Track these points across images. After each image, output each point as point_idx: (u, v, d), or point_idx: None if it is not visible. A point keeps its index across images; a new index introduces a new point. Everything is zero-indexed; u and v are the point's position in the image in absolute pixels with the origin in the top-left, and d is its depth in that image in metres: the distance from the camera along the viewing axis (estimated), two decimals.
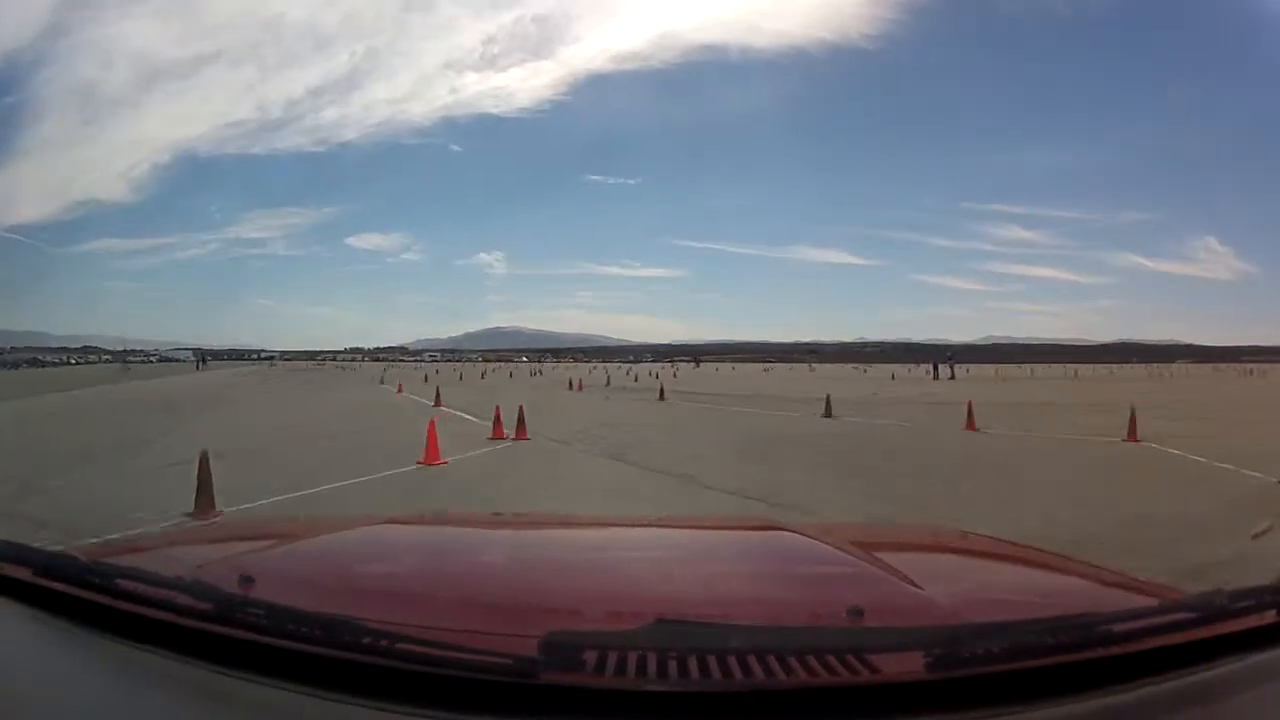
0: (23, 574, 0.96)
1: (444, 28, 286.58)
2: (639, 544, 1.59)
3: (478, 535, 1.70)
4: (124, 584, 0.89)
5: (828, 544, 1.36)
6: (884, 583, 1.11)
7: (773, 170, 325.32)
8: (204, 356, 60.37)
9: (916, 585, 1.05)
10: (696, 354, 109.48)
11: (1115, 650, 0.75)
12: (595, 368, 67.57)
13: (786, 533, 1.54)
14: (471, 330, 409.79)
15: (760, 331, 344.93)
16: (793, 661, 0.72)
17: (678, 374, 46.84)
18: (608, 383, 30.45)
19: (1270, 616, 0.82)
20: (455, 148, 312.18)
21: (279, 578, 1.11)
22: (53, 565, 0.96)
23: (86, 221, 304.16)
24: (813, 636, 0.81)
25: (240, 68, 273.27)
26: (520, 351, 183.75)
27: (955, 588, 1.11)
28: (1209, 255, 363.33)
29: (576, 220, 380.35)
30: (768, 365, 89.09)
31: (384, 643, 0.75)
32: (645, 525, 2.03)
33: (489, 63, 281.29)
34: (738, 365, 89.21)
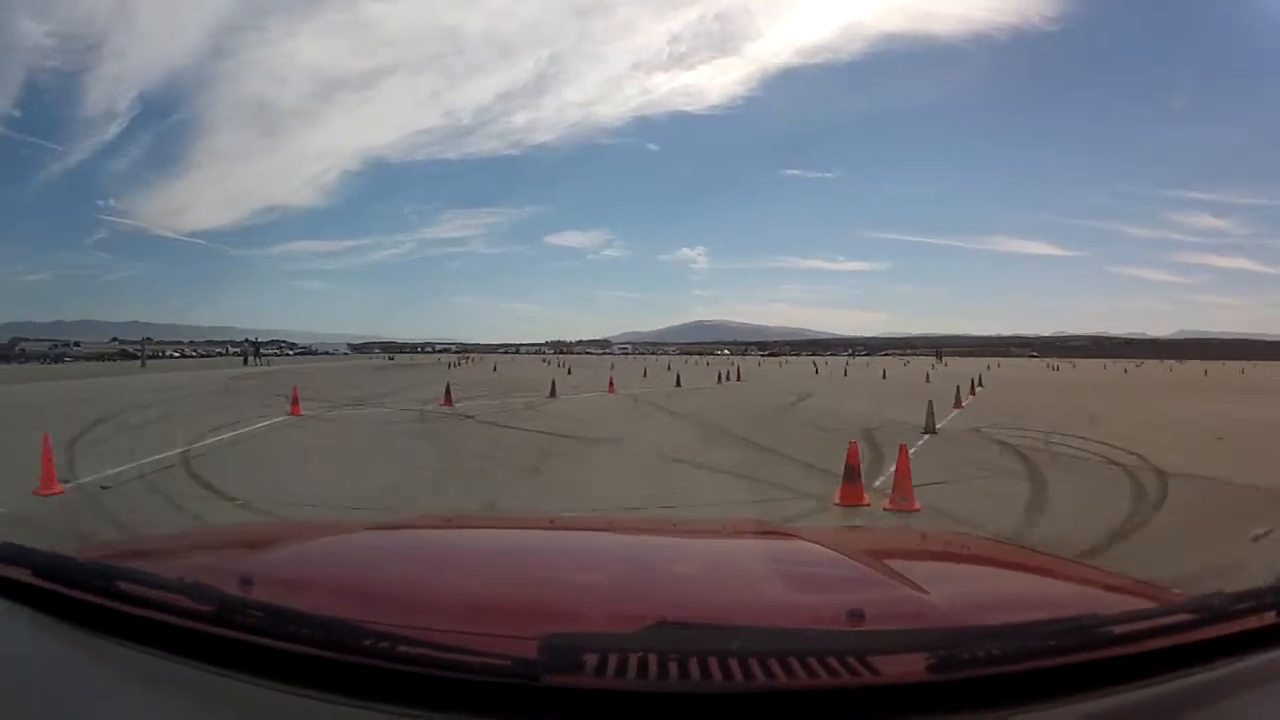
0: (23, 575, 0.96)
1: (626, 29, 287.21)
2: (640, 546, 1.59)
3: (478, 537, 1.71)
4: (124, 586, 0.89)
5: (828, 547, 1.37)
6: (884, 586, 1.12)
7: (965, 159, 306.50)
8: (256, 348, 50.85)
9: (916, 588, 1.05)
10: (937, 346, 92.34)
11: (1116, 652, 0.76)
12: (823, 360, 56.54)
13: (787, 535, 1.58)
14: (675, 324, 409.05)
15: (959, 324, 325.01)
16: (793, 663, 0.72)
17: (941, 369, 38.97)
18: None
19: (1270, 618, 0.82)
20: (651, 146, 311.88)
21: (278, 580, 1.10)
22: (53, 567, 0.96)
23: (273, 226, 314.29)
24: (813, 638, 0.81)
25: (421, 77, 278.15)
26: (724, 344, 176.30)
27: (955, 590, 1.11)
28: None
29: (776, 214, 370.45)
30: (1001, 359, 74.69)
31: (384, 645, 0.75)
32: (646, 528, 2.07)
33: (677, 61, 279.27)
34: (971, 359, 73.84)
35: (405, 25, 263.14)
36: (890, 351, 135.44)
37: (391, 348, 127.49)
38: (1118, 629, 0.76)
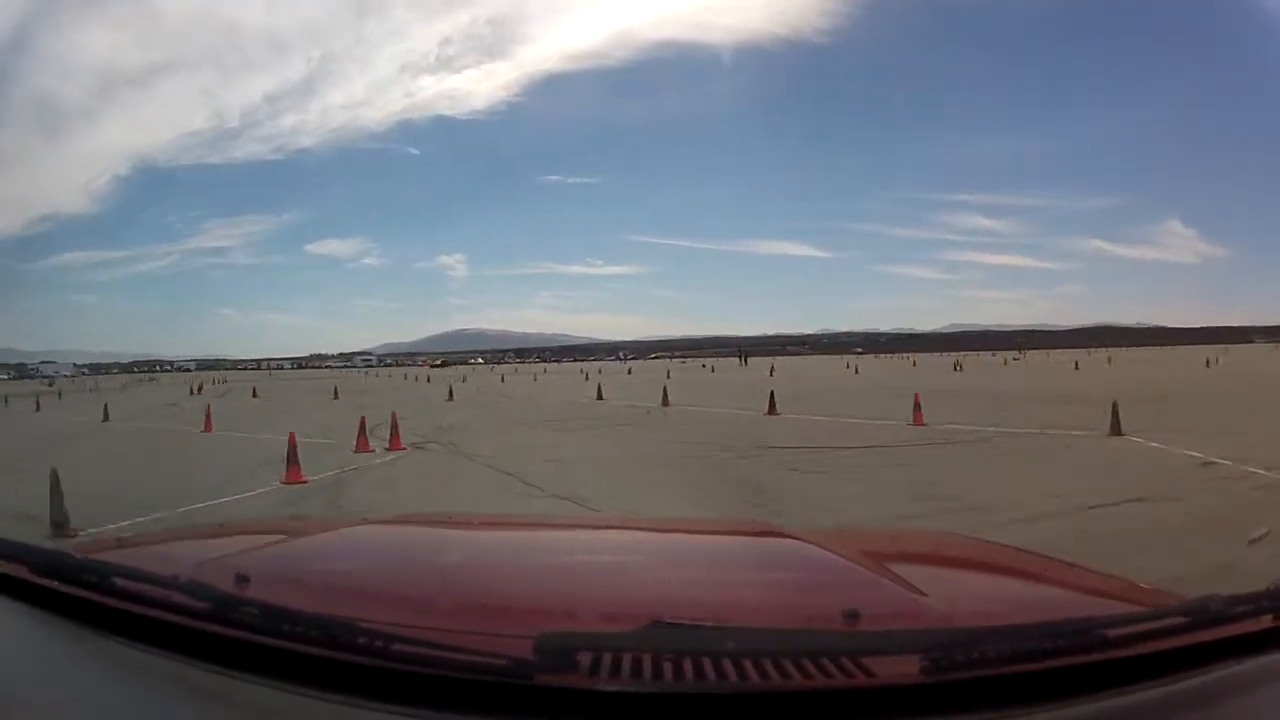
0: (19, 571, 0.96)
1: (398, 31, 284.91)
2: (635, 546, 1.59)
3: (473, 536, 1.70)
4: (120, 582, 0.89)
5: (824, 548, 1.36)
6: (880, 586, 1.11)
7: (731, 166, 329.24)
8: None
9: (912, 589, 1.05)
10: (741, 347, 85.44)
11: (1111, 655, 0.75)
12: (596, 370, 45.91)
13: (783, 535, 1.55)
14: (434, 333, 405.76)
15: (724, 326, 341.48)
16: (788, 664, 0.72)
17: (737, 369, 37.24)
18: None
19: (1266, 621, 0.82)
20: (413, 151, 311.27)
21: (274, 577, 1.11)
22: (49, 563, 0.96)
23: (51, 236, 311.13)
24: (808, 639, 0.81)
25: (197, 74, 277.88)
26: (481, 352, 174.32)
27: (951, 592, 1.11)
28: (1174, 239, 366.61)
29: (536, 220, 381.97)
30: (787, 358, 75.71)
31: (379, 643, 0.75)
32: (642, 527, 2.04)
33: (444, 64, 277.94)
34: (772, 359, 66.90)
35: (188, 16, 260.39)
36: (661, 354, 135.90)
37: (142, 367, 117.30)
38: (1114, 632, 0.76)
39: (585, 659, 0.71)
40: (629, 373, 39.78)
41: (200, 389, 34.81)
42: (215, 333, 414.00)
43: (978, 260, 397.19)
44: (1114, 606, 1.05)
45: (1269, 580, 0.86)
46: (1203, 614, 0.80)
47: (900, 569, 1.17)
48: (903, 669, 0.71)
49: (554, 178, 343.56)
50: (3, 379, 79.11)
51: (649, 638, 0.75)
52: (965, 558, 1.51)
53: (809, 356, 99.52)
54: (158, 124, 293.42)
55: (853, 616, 0.86)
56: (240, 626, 0.80)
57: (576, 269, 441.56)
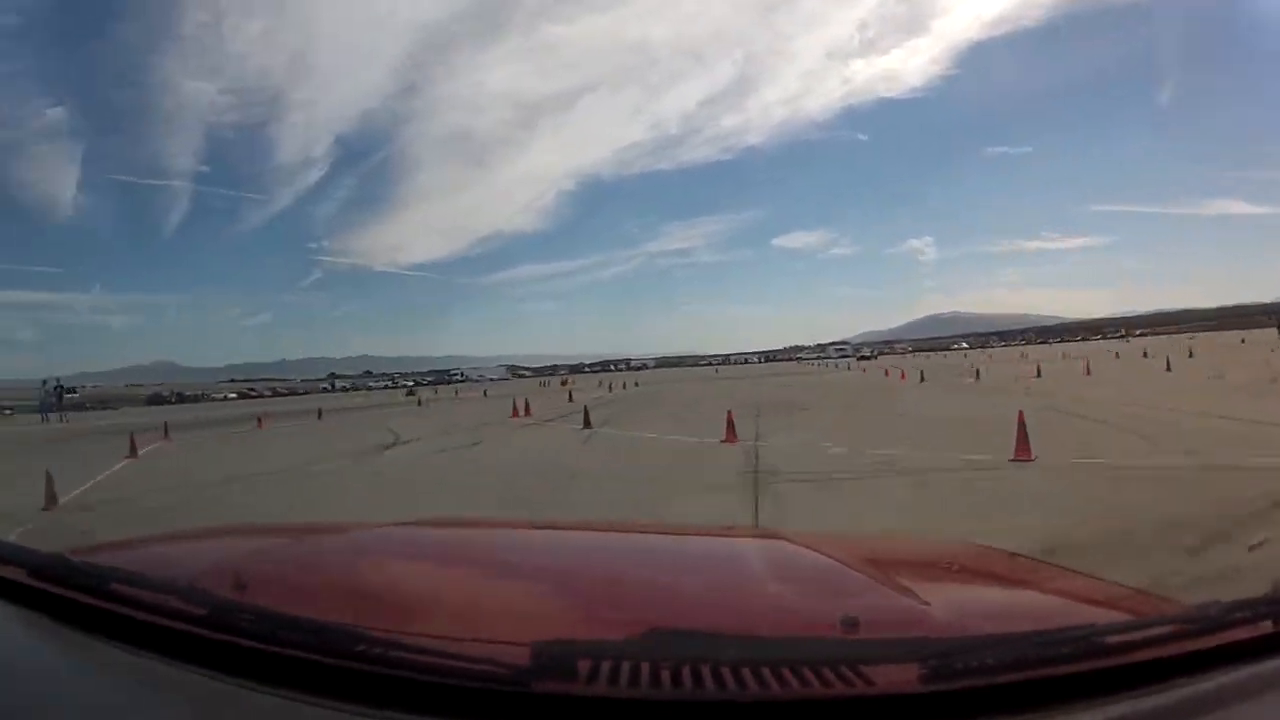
0: (17, 575, 0.96)
1: (812, 21, 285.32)
2: (634, 552, 1.58)
3: (471, 542, 1.70)
4: (118, 588, 0.89)
5: (824, 554, 1.36)
6: (880, 593, 1.11)
7: (1164, 120, 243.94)
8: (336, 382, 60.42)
9: (913, 596, 1.05)
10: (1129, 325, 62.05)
11: (1111, 662, 0.75)
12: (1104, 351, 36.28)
13: (782, 542, 1.53)
14: (910, 320, 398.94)
15: (1189, 296, 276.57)
16: (787, 672, 0.71)
17: None
18: None
19: (1266, 627, 0.81)
20: (860, 136, 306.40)
21: (272, 583, 1.11)
22: (47, 567, 0.96)
23: (494, 254, 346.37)
24: (807, 647, 0.81)
25: (621, 93, 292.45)
26: (960, 337, 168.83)
27: (951, 599, 1.10)
28: None
29: (990, 196, 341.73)
30: None
31: (376, 650, 0.75)
32: (641, 532, 2.04)
33: (869, 47, 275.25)
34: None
35: (588, 44, 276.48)
36: (1147, 331, 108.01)
37: (594, 367, 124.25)
38: (1114, 639, 0.76)
39: (583, 666, 0.71)
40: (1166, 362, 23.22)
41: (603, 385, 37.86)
42: (682, 330, 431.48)
43: None
44: (1114, 614, 1.05)
45: (1268, 587, 0.86)
46: (1202, 620, 0.80)
47: (900, 576, 1.17)
48: (902, 677, 0.71)
49: (999, 149, 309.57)
50: (427, 382, 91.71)
51: (647, 645, 0.75)
52: (965, 564, 1.48)
53: None
54: (593, 142, 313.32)
55: (852, 624, 0.85)
56: (237, 632, 0.80)
57: (1034, 244, 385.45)
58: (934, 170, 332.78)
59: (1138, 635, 0.78)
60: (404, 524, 1.76)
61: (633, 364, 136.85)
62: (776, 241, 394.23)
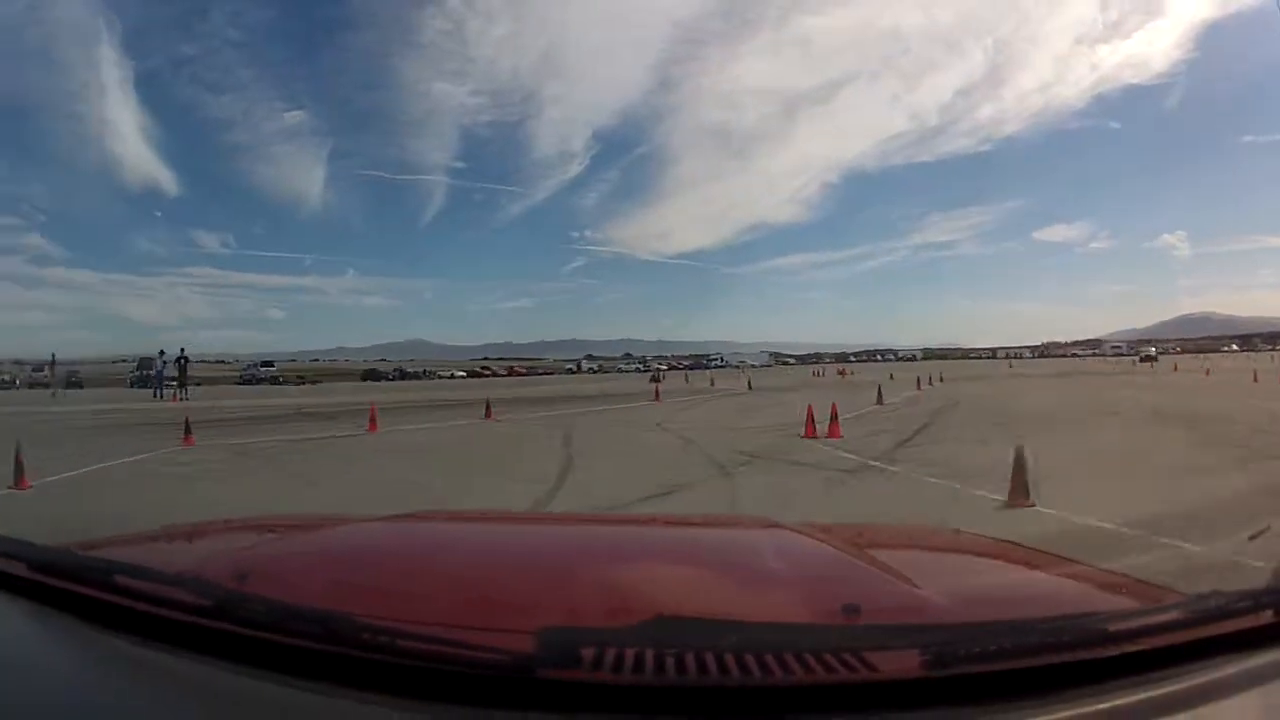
0: (20, 569, 0.96)
1: (1055, 3, 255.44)
2: (637, 541, 1.60)
3: (475, 531, 1.71)
4: (122, 580, 0.89)
5: (825, 542, 1.37)
6: (881, 581, 1.12)
7: None
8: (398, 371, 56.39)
9: (913, 584, 1.05)
10: None
11: (1112, 650, 0.75)
12: None
13: (784, 530, 1.53)
14: (1163, 319, 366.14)
15: None
16: (789, 659, 0.72)
17: None
18: None
19: (1267, 617, 0.82)
20: (1113, 124, 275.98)
21: (277, 573, 1.12)
22: (50, 560, 0.97)
23: (759, 243, 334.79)
24: (810, 634, 0.81)
25: (878, 83, 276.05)
26: (1227, 339, 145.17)
27: (952, 586, 1.10)
28: None
29: (1242, 189, 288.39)
30: None
31: (382, 638, 0.75)
32: (643, 522, 2.01)
33: (1113, 30, 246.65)
34: None
35: (841, 34, 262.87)
36: None
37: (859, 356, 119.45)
38: (1114, 627, 0.76)
39: (589, 653, 0.71)
40: None
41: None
42: (947, 322, 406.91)
43: None
44: (1114, 602, 1.06)
45: (1269, 576, 0.86)
46: (1204, 610, 0.80)
47: (901, 563, 1.17)
48: (904, 664, 0.71)
49: (1246, 138, 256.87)
50: (683, 366, 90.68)
51: (651, 632, 0.75)
52: (966, 553, 1.50)
53: None
54: (854, 133, 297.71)
55: (854, 611, 0.86)
56: (242, 623, 0.80)
57: None
58: (1184, 160, 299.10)
59: (1139, 624, 0.79)
60: (407, 515, 1.77)
61: (900, 355, 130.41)
62: (1037, 234, 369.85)
